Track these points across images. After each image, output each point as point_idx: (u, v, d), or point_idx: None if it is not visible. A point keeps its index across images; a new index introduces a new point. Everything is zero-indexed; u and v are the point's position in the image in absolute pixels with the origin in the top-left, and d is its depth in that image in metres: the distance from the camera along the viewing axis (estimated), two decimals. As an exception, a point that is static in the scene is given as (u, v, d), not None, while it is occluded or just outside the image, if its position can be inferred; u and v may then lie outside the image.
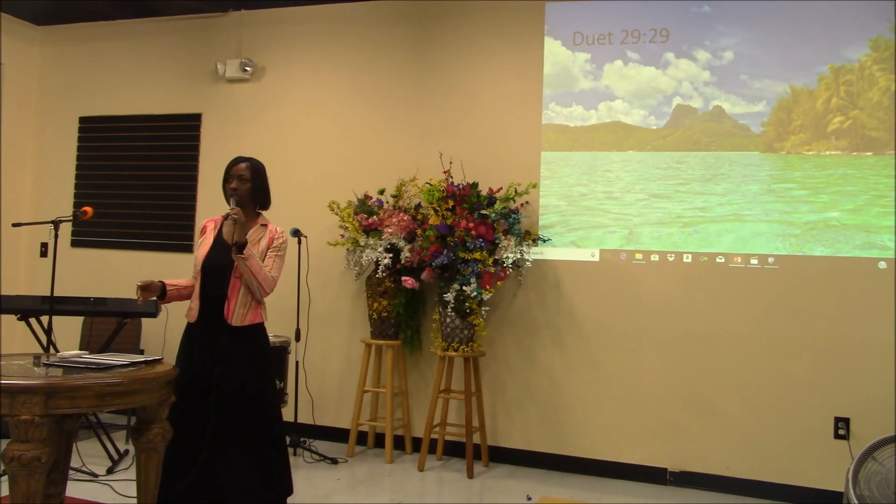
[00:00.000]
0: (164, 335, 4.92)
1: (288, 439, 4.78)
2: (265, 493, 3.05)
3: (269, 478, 3.07)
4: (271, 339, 4.76)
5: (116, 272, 5.69)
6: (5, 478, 2.47)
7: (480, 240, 4.43)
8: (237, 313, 3.06)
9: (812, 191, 4.35)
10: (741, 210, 4.46)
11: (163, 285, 3.08)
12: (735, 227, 4.45)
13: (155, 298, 3.07)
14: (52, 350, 4.23)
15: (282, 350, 4.74)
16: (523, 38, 4.93)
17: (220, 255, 3.10)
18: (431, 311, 4.92)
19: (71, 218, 4.18)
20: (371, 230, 4.83)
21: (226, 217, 3.17)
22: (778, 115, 4.44)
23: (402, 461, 4.79)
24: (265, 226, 3.23)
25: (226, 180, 3.21)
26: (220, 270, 3.07)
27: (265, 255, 3.14)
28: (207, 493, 2.94)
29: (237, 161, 3.23)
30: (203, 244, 3.18)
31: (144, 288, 2.99)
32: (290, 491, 3.21)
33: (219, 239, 3.17)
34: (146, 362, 2.84)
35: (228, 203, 3.15)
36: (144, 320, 5.25)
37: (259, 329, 3.17)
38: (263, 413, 3.13)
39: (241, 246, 3.00)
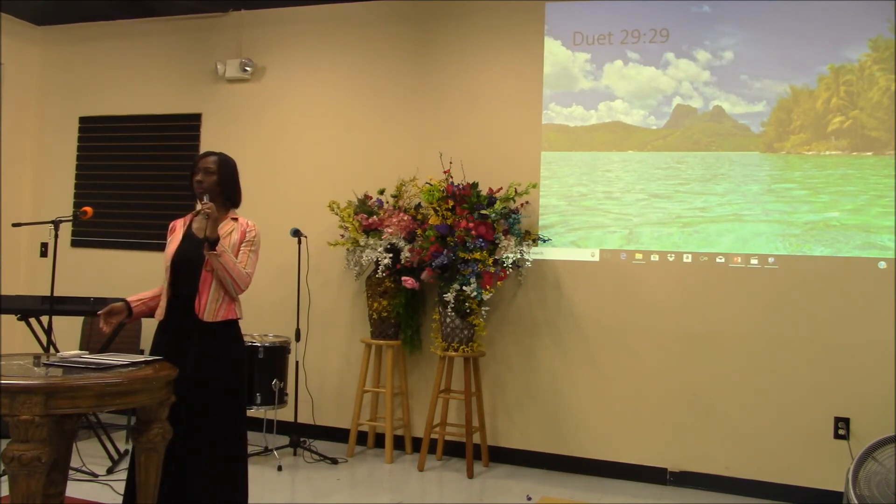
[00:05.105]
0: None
1: (289, 439, 4.84)
2: (232, 494, 2.99)
3: (232, 483, 3.00)
4: (271, 338, 4.80)
5: (116, 272, 5.69)
6: (5, 478, 2.47)
7: (480, 240, 4.42)
8: (209, 308, 2.95)
9: (812, 191, 4.35)
10: (741, 210, 4.46)
11: (127, 304, 2.99)
12: (735, 227, 4.45)
13: (125, 321, 2.99)
14: (52, 350, 4.23)
15: (282, 350, 4.74)
16: (523, 38, 4.93)
17: (190, 249, 2.99)
18: (431, 311, 4.92)
19: (71, 218, 4.18)
20: (371, 230, 4.83)
21: (196, 213, 3.06)
22: (778, 115, 4.44)
23: (402, 461, 4.79)
24: (236, 220, 3.10)
25: (193, 173, 3.06)
26: (190, 265, 2.96)
27: (238, 250, 3.02)
28: (181, 495, 2.88)
29: (206, 154, 3.11)
30: (172, 241, 3.07)
31: (108, 313, 2.91)
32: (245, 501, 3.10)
33: (188, 234, 3.06)
34: (146, 362, 2.83)
35: (199, 199, 3.00)
36: (144, 320, 5.18)
37: (232, 326, 3.05)
38: (233, 416, 3.02)
39: (214, 242, 2.89)
